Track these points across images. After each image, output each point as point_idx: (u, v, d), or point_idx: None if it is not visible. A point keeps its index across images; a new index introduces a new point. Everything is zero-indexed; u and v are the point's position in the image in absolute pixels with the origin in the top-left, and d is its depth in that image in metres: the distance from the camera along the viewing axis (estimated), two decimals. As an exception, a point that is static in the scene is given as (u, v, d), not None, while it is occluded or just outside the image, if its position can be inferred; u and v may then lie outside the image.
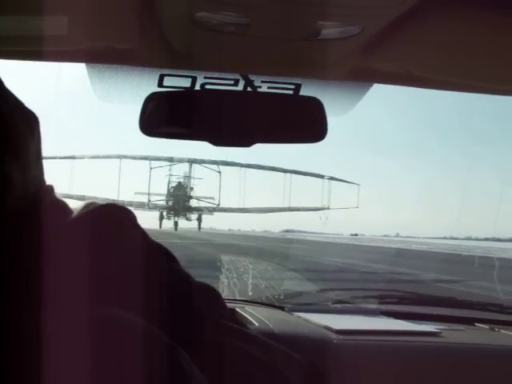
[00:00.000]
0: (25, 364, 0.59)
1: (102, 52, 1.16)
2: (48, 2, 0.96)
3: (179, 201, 36.67)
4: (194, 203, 37.97)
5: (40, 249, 0.69)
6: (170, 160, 37.03)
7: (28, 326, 0.61)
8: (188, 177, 37.29)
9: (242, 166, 36.90)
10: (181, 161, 37.37)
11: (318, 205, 37.39)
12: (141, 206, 35.04)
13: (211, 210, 38.85)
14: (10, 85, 0.82)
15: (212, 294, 0.88)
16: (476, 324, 2.05)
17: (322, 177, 37.40)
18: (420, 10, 1.01)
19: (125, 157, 36.30)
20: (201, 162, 37.14)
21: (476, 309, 2.22)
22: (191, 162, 36.98)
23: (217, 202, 37.74)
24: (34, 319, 0.61)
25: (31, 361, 0.58)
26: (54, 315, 0.62)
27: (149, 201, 36.61)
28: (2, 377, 0.59)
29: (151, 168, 35.71)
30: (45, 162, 0.82)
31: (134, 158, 37.04)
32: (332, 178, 37.34)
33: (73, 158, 34.35)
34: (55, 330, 0.60)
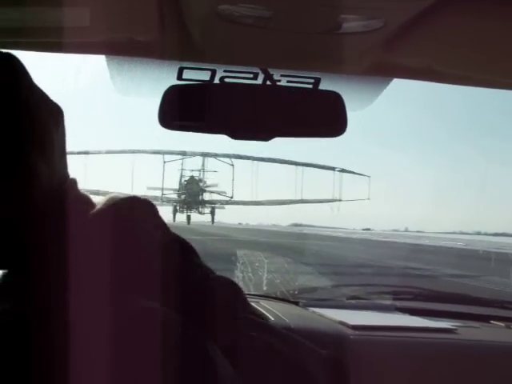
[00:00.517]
0: (55, 350, 0.60)
1: (123, 44, 1.16)
2: None
3: (192, 194, 36.74)
4: (207, 196, 38.04)
5: (65, 241, 0.70)
6: (183, 154, 37.07)
7: (57, 315, 0.63)
8: (201, 170, 37.34)
9: (254, 159, 36.90)
10: (194, 154, 37.40)
11: (330, 197, 37.31)
12: (154, 199, 35.15)
13: (224, 203, 38.87)
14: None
15: (234, 288, 0.88)
16: (491, 321, 2.03)
17: (333, 169, 37.28)
18: (443, 4, 0.99)
19: (138, 151, 36.39)
20: (214, 155, 37.18)
21: (491, 306, 2.20)
22: (204, 155, 37.00)
23: (230, 195, 37.79)
24: (63, 309, 0.62)
25: (61, 347, 0.59)
26: (81, 307, 0.63)
27: (163, 194, 36.70)
28: (33, 362, 0.60)
29: (165, 162, 35.79)
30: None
31: (147, 152, 37.12)
32: (343, 170, 37.21)
33: (87, 153, 34.47)
34: (83, 319, 0.62)
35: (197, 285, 0.80)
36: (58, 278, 0.67)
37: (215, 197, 38.61)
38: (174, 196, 37.52)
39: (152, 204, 0.84)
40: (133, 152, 35.92)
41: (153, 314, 0.65)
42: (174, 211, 36.92)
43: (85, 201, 0.80)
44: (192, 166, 38.21)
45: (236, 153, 36.13)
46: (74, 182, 0.81)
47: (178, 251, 0.82)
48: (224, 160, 36.71)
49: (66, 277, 0.66)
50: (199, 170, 37.40)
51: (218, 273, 0.87)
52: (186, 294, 0.74)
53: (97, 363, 0.60)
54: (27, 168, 0.73)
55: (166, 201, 36.89)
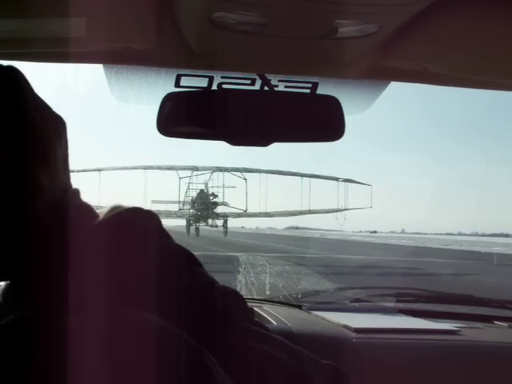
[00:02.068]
0: (53, 363, 0.57)
1: (120, 53, 1.12)
2: (66, 4, 0.93)
3: (206, 208, 36.73)
4: (220, 210, 38.03)
5: (68, 251, 0.68)
6: (195, 169, 37.14)
7: (57, 326, 0.60)
8: (221, 186, 37.29)
9: (262, 171, 36.99)
10: (206, 169, 37.46)
11: (335, 206, 37.29)
12: (169, 214, 35.16)
13: (236, 216, 38.89)
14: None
15: (237, 298, 0.85)
16: (495, 322, 1.98)
17: (336, 179, 37.36)
18: (437, 7, 0.96)
19: (151, 167, 36.42)
20: (226, 169, 37.24)
21: (495, 306, 2.15)
22: (219, 170, 37.00)
23: (244, 208, 37.75)
24: (62, 320, 0.60)
25: (60, 359, 0.56)
26: (81, 316, 0.61)
27: (179, 209, 36.67)
28: (31, 374, 0.57)
29: (180, 178, 35.80)
30: (74, 175, 0.81)
31: (161, 168, 37.16)
32: (346, 180, 37.24)
33: (100, 170, 34.56)
34: (82, 331, 0.59)
35: (199, 294, 0.77)
36: (60, 289, 0.66)
37: (228, 210, 38.65)
38: (189, 210, 37.46)
39: (155, 214, 0.80)
40: (145, 168, 35.93)
41: (149, 326, 0.62)
42: (188, 225, 36.93)
43: (88, 211, 0.77)
44: (204, 181, 38.20)
45: (245, 166, 36.27)
46: (76, 192, 0.79)
47: (181, 261, 0.79)
48: (236, 174, 36.76)
49: (68, 287, 0.65)
50: (218, 187, 37.35)
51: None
52: (189, 304, 0.72)
53: (92, 375, 0.57)
54: (30, 179, 0.71)
55: (181, 215, 36.91)
